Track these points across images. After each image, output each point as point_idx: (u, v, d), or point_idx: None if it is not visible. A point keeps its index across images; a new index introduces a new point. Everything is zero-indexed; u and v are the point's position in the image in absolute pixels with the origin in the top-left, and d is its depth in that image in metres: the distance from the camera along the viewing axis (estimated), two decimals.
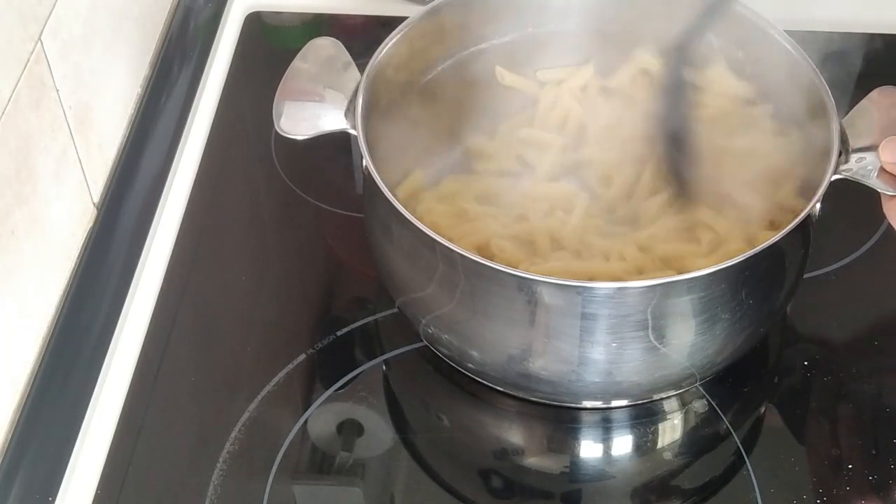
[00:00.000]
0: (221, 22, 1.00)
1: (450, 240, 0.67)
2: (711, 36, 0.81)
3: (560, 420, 0.76)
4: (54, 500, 0.72)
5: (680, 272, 0.74)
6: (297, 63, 0.77)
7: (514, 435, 0.76)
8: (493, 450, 0.75)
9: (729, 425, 0.75)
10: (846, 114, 0.74)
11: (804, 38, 0.78)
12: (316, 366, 0.78)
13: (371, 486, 0.73)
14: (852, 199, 0.77)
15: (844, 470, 0.73)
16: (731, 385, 0.77)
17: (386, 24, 0.80)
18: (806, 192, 0.76)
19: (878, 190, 0.70)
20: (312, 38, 0.78)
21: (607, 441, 0.76)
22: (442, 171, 0.81)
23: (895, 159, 0.68)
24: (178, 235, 0.85)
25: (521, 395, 0.75)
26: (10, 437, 0.74)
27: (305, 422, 0.75)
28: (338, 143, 0.85)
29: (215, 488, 0.72)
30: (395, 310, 0.79)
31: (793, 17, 0.92)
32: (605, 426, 0.76)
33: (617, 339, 0.68)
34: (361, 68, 0.76)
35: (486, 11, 0.82)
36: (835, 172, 0.70)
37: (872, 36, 0.97)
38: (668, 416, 0.76)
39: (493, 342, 0.71)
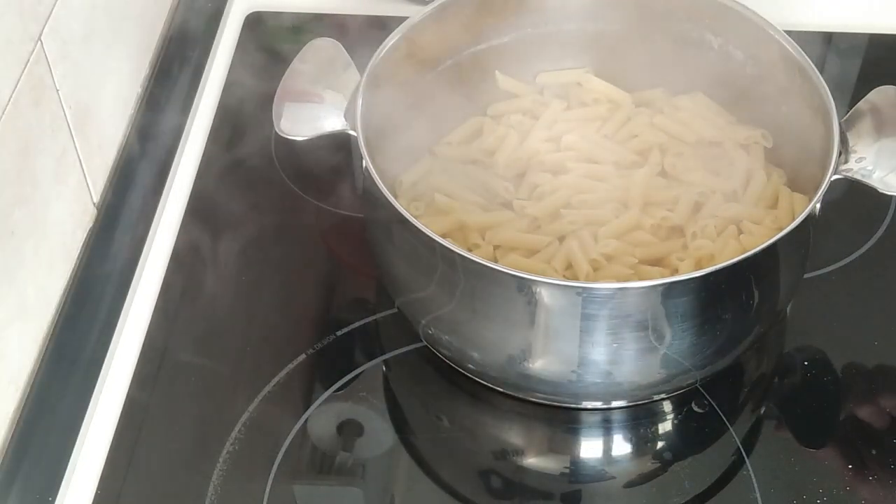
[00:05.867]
0: (221, 22, 1.00)
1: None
2: (711, 36, 0.81)
3: (560, 420, 0.76)
4: (54, 500, 0.72)
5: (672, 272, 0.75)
6: (297, 64, 0.77)
7: (514, 435, 0.76)
8: (493, 450, 0.75)
9: (729, 425, 0.75)
10: (846, 114, 0.74)
11: (804, 38, 0.78)
12: (316, 366, 0.78)
13: (371, 486, 0.73)
14: (852, 199, 0.77)
15: (844, 470, 0.73)
16: (731, 385, 0.77)
17: (386, 24, 0.79)
18: (805, 191, 0.77)
19: (879, 190, 0.70)
20: (312, 38, 0.78)
21: (607, 441, 0.76)
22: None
23: None
24: (178, 235, 0.85)
25: (521, 395, 0.75)
26: (10, 437, 0.74)
27: (305, 422, 0.75)
28: (338, 143, 0.85)
29: (215, 488, 0.72)
30: (395, 310, 0.79)
31: (793, 17, 0.92)
32: (605, 426, 0.76)
33: (617, 340, 0.68)
34: (361, 69, 0.76)
35: (486, 12, 0.82)
36: (835, 172, 0.70)
37: (872, 36, 0.97)
38: (668, 417, 0.76)
39: (492, 343, 0.71)
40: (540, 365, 0.70)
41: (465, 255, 0.67)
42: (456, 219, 0.77)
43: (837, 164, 0.70)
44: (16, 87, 0.73)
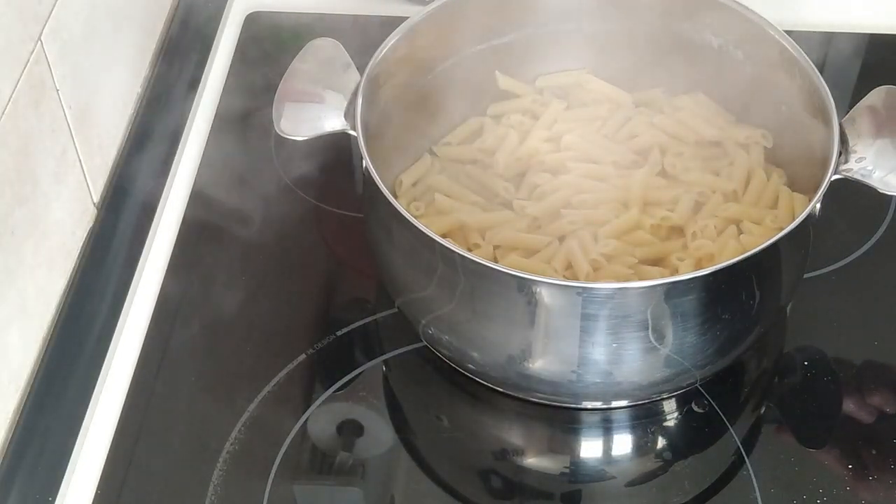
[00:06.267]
0: (221, 22, 1.00)
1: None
2: (711, 36, 0.81)
3: (560, 420, 0.76)
4: (54, 500, 0.72)
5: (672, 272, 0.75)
6: (297, 64, 0.77)
7: (514, 435, 0.76)
8: (493, 450, 0.75)
9: (729, 425, 0.75)
10: (846, 114, 0.74)
11: (804, 38, 0.78)
12: (316, 366, 0.78)
13: (371, 486, 0.74)
14: (852, 199, 0.77)
15: (844, 470, 0.73)
16: (731, 385, 0.77)
17: (386, 24, 0.79)
18: (805, 191, 0.77)
19: (879, 190, 0.70)
20: (312, 38, 0.78)
21: (607, 441, 0.76)
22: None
23: None
24: (179, 235, 0.85)
25: (520, 395, 0.75)
26: (10, 437, 0.74)
27: (305, 422, 0.75)
28: (338, 143, 0.85)
29: (215, 488, 0.72)
30: (395, 310, 0.79)
31: (793, 17, 0.92)
32: (605, 427, 0.76)
33: (617, 340, 0.68)
34: (361, 69, 0.76)
35: (486, 12, 0.82)
36: (835, 172, 0.70)
37: (872, 36, 0.97)
38: (668, 417, 0.76)
39: (492, 343, 0.71)
40: (540, 365, 0.70)
41: (465, 255, 0.67)
42: (456, 219, 0.78)
43: (837, 164, 0.70)
44: (16, 87, 0.73)
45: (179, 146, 0.91)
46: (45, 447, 0.74)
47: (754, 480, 0.72)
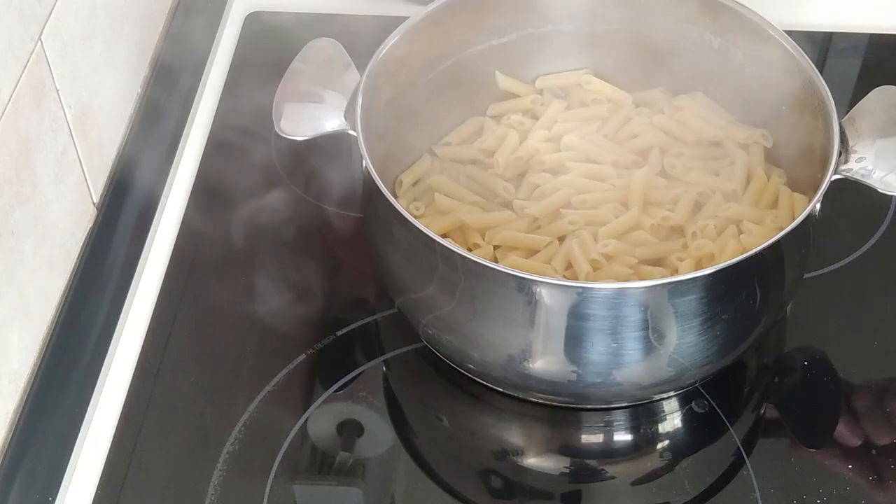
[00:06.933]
0: (221, 22, 1.00)
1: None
2: (711, 36, 0.81)
3: (560, 420, 0.76)
4: (54, 500, 0.72)
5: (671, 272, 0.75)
6: (297, 64, 0.77)
7: (513, 435, 0.76)
8: (492, 450, 0.75)
9: (729, 425, 0.75)
10: (846, 114, 0.74)
11: (804, 38, 0.78)
12: (316, 366, 0.78)
13: (371, 486, 0.74)
14: (852, 199, 0.77)
15: (844, 470, 0.73)
16: (731, 385, 0.77)
17: (386, 24, 0.80)
18: (805, 191, 0.77)
19: (879, 190, 0.70)
20: (312, 38, 0.78)
21: (607, 441, 0.76)
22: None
23: None
24: (178, 235, 0.85)
25: (520, 395, 0.75)
26: (10, 437, 0.74)
27: (305, 422, 0.75)
28: (338, 143, 0.85)
29: (215, 488, 0.72)
30: (395, 310, 0.79)
31: (793, 17, 0.92)
32: (605, 426, 0.76)
33: (617, 340, 0.68)
34: (361, 69, 0.76)
35: (486, 12, 0.82)
36: (835, 172, 0.70)
37: (872, 36, 0.97)
38: (668, 417, 0.76)
39: (492, 343, 0.71)
40: (540, 365, 0.71)
41: (465, 255, 0.67)
42: (456, 219, 0.78)
43: (837, 164, 0.70)
44: (16, 87, 0.73)
45: (179, 146, 0.91)
46: (45, 447, 0.74)
47: (754, 480, 0.72)
